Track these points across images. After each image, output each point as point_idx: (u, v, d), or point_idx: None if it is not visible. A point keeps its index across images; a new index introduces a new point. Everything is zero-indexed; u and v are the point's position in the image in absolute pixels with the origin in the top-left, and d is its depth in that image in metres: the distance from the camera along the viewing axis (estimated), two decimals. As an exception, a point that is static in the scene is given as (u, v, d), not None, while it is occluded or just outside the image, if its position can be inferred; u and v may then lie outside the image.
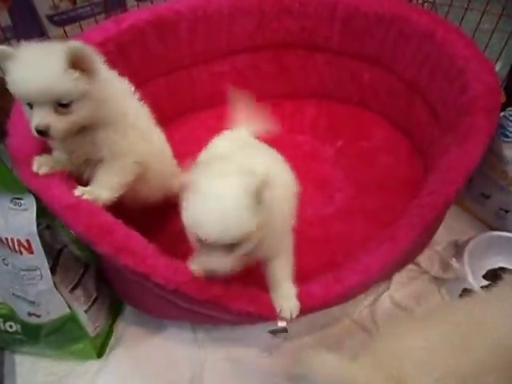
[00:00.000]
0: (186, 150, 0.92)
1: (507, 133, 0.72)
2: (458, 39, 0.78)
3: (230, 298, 0.49)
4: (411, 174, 0.87)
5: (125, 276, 0.59)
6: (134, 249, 0.50)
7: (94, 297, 0.65)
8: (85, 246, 0.63)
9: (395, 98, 0.94)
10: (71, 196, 0.54)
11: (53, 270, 0.59)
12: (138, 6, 1.01)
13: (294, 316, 0.51)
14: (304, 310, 0.52)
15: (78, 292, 0.63)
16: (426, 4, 1.09)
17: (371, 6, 0.87)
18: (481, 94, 0.69)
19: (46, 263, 0.57)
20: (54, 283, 0.58)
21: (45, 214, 0.58)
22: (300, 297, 0.52)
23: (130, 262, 0.49)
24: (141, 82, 0.90)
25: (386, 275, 0.71)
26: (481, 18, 0.90)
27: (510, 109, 0.71)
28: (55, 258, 0.61)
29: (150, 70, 0.91)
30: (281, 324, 0.49)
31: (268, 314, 0.50)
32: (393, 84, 0.92)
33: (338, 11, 0.90)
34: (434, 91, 0.83)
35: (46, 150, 0.60)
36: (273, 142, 0.95)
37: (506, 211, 0.77)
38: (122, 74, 0.84)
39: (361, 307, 0.72)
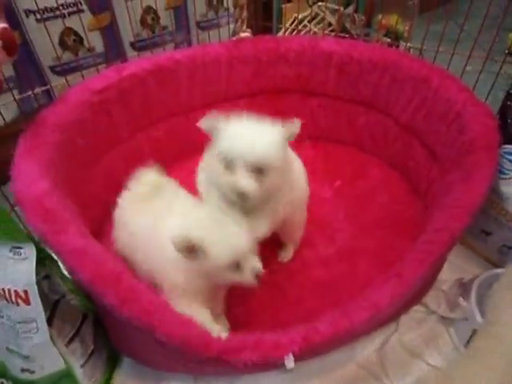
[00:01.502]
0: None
1: (503, 170, 0.73)
2: (453, 84, 0.82)
3: (234, 350, 0.47)
4: (409, 213, 0.88)
5: (124, 327, 0.56)
6: (140, 300, 0.49)
7: (91, 349, 0.62)
8: (84, 294, 0.61)
9: (391, 141, 0.96)
10: (78, 239, 0.53)
11: (49, 322, 0.56)
12: (138, 55, 1.05)
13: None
14: (313, 347, 0.50)
15: (75, 345, 0.60)
16: (411, 50, 1.15)
17: (364, 53, 0.91)
18: (481, 135, 0.71)
19: (43, 315, 0.54)
20: (51, 336, 0.55)
21: (43, 264, 0.57)
22: (308, 333, 0.50)
23: (136, 315, 0.47)
24: (141, 128, 0.93)
25: (394, 313, 0.69)
26: (467, 61, 0.95)
27: (504, 146, 0.73)
28: (52, 309, 0.59)
29: (150, 116, 0.93)
30: (289, 366, 0.46)
31: (274, 358, 0.47)
32: (389, 127, 0.95)
33: (333, 59, 0.94)
34: (432, 134, 0.85)
35: (53, 194, 0.59)
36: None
37: (509, 248, 0.77)
38: (122, 120, 0.87)
39: (369, 351, 0.69)
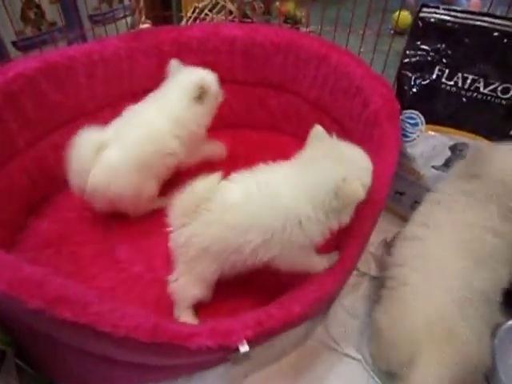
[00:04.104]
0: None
1: (407, 133, 0.80)
2: (351, 60, 0.87)
3: (186, 335, 0.45)
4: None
5: (59, 350, 0.50)
6: (71, 298, 0.43)
7: (16, 390, 0.54)
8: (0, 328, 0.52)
9: (304, 119, 0.99)
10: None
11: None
12: (24, 55, 0.93)
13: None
14: (266, 331, 0.49)
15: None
16: (311, 34, 1.21)
17: (267, 36, 0.93)
18: (381, 106, 0.76)
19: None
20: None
21: None
22: (261, 319, 0.49)
23: (69, 314, 0.41)
24: (41, 135, 0.83)
25: (341, 286, 0.71)
26: (361, 40, 1.01)
27: (404, 112, 0.80)
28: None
29: (51, 121, 0.84)
30: (243, 350, 0.46)
31: (228, 343, 0.46)
32: (299, 106, 0.98)
33: (237, 44, 0.94)
34: (338, 109, 0.89)
35: None
36: (195, 176, 0.94)
37: (419, 203, 0.84)
38: (15, 126, 0.76)
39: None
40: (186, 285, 0.62)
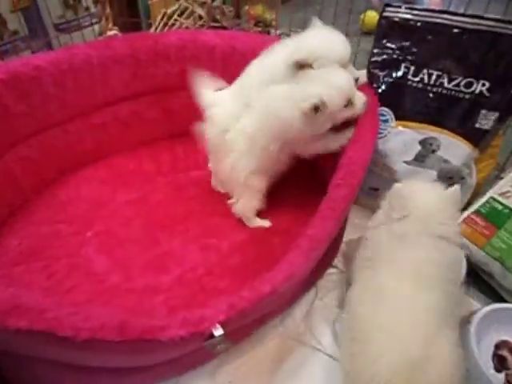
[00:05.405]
0: (77, 210, 0.85)
1: (379, 129, 0.82)
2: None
3: (157, 329, 0.43)
4: (310, 187, 0.92)
5: (29, 365, 0.48)
6: (26, 306, 0.41)
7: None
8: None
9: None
10: None
11: None
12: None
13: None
14: (239, 313, 0.49)
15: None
16: (282, 35, 1.22)
17: (246, 44, 0.92)
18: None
19: None
20: None
21: None
22: (232, 301, 0.49)
23: (25, 323, 0.39)
24: (6, 148, 0.81)
25: (311, 275, 0.71)
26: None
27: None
28: None
29: (15, 133, 0.81)
30: (217, 333, 0.45)
31: (201, 329, 0.45)
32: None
33: (216, 53, 0.94)
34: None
35: None
36: (172, 181, 0.93)
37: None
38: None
39: (296, 322, 0.71)
40: (246, 202, 0.81)
